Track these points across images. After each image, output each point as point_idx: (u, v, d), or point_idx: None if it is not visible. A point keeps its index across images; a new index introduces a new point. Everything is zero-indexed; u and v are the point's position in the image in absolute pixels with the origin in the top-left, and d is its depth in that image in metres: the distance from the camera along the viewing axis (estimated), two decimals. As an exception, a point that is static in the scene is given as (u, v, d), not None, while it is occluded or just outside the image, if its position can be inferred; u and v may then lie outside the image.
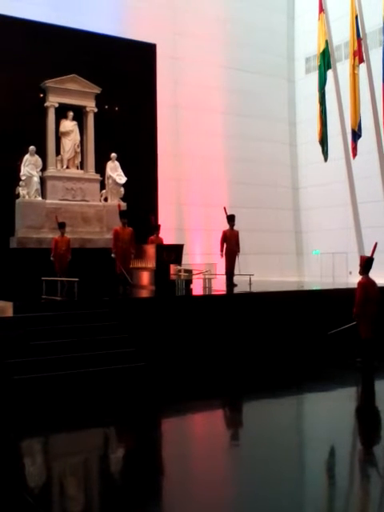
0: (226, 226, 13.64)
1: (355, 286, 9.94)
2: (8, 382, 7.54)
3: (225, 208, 13.86)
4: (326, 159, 17.86)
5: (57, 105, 15.33)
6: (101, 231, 15.35)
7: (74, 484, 5.31)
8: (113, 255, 12.65)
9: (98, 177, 15.77)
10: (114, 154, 15.94)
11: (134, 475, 5.29)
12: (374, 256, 9.97)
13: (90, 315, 9.43)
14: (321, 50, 17.71)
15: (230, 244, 13.47)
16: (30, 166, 14.67)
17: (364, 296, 9.57)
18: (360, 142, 16.90)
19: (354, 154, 16.97)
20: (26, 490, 4.87)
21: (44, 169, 15.07)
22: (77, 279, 10.75)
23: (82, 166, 15.77)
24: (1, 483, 5.09)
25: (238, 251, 13.54)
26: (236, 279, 13.49)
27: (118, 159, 15.98)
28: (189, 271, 12.87)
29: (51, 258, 12.89)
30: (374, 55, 17.28)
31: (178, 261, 13.15)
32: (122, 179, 15.88)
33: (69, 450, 6.17)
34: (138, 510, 4.54)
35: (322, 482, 5.23)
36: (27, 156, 14.69)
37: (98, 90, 15.78)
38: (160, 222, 15.08)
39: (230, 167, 20.69)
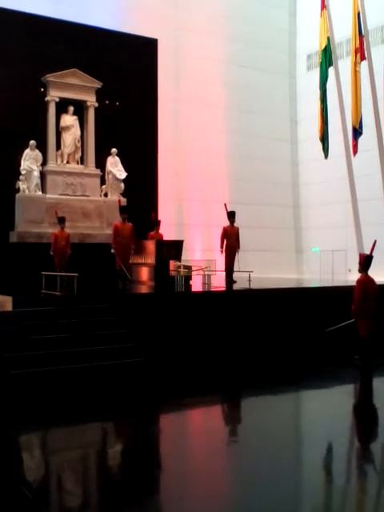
0: (226, 223, 13.64)
1: (354, 283, 9.96)
2: (7, 376, 7.55)
3: (225, 204, 13.86)
4: (326, 156, 17.85)
5: (57, 99, 15.31)
6: (101, 226, 15.34)
7: (72, 478, 5.32)
8: (113, 251, 12.64)
9: (98, 172, 15.75)
10: (114, 149, 15.92)
11: (132, 470, 5.31)
12: (374, 254, 9.99)
13: (89, 310, 9.44)
14: (322, 47, 17.68)
15: (230, 240, 13.48)
16: (30, 160, 14.65)
17: (363, 293, 9.59)
18: (360, 139, 16.88)
19: (355, 152, 16.95)
20: (24, 485, 4.88)
21: (44, 163, 15.05)
22: (76, 274, 10.75)
23: (82, 160, 15.76)
24: (-1, 477, 5.11)
25: (238, 248, 13.57)
26: (235, 276, 13.50)
27: (118, 154, 15.97)
28: (188, 267, 12.88)
29: (51, 253, 12.89)
30: (376, 53, 17.26)
31: (178, 257, 13.16)
32: (123, 174, 15.87)
33: (67, 445, 6.19)
34: (136, 505, 4.56)
35: (320, 477, 5.26)
36: (27, 150, 14.68)
37: (98, 85, 15.75)
38: (160, 218, 15.05)
39: (231, 163, 20.64)
